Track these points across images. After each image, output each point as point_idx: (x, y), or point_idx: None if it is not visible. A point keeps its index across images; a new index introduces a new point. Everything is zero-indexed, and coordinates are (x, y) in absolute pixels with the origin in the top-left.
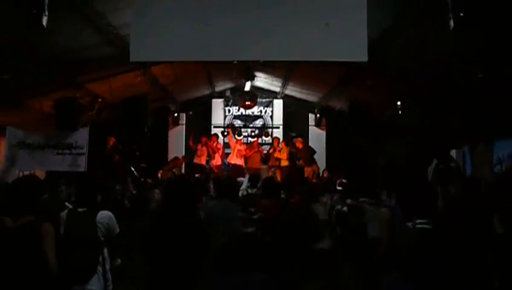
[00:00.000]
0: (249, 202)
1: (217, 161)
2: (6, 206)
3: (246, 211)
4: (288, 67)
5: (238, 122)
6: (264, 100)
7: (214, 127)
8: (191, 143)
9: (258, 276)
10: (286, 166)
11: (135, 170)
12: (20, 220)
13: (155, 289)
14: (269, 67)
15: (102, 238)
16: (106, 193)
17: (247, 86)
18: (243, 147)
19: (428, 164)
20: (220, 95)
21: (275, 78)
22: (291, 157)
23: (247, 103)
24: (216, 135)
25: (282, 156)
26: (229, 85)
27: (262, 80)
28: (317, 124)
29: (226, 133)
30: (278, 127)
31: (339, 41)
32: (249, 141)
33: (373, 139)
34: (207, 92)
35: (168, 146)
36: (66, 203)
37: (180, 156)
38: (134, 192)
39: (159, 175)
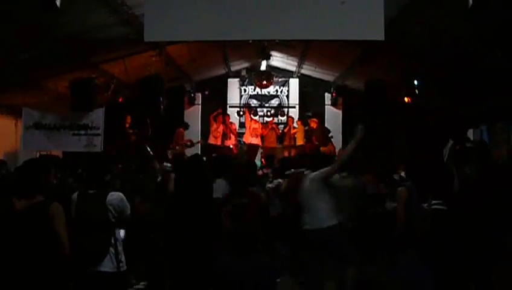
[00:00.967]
0: None
1: (233, 140)
2: (15, 187)
3: None
4: (304, 46)
5: (254, 102)
6: (280, 79)
7: (230, 106)
8: (211, 117)
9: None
10: (301, 145)
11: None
12: (30, 201)
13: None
14: (285, 47)
15: (113, 220)
16: (115, 173)
17: (263, 66)
18: (258, 126)
19: (445, 144)
20: (236, 74)
21: (290, 58)
22: (306, 136)
23: (263, 82)
24: (228, 115)
25: (298, 135)
26: (244, 64)
27: (278, 59)
28: (334, 104)
29: (241, 113)
30: (294, 107)
31: (355, 19)
32: (264, 121)
33: (389, 119)
34: (223, 71)
35: None
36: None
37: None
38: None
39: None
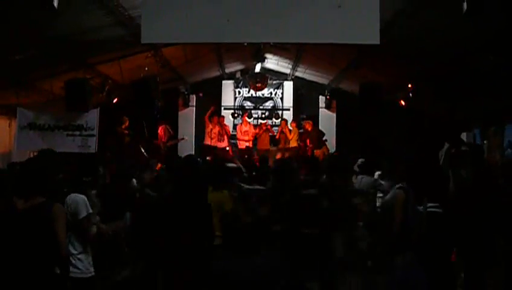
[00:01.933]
0: None
1: (226, 142)
2: (17, 187)
3: None
4: (299, 49)
5: (248, 104)
6: (274, 82)
7: (224, 108)
8: (206, 117)
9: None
10: (295, 147)
11: (145, 151)
12: (31, 202)
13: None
14: (280, 49)
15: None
16: (97, 174)
17: (258, 68)
18: (248, 128)
19: (440, 148)
20: (230, 76)
21: (285, 60)
22: (300, 138)
23: (257, 84)
24: (223, 116)
25: (292, 137)
26: (239, 67)
27: (272, 62)
28: (328, 107)
29: (236, 115)
30: (288, 109)
31: (351, 23)
32: (258, 123)
33: (383, 122)
34: (217, 73)
35: (178, 127)
36: None
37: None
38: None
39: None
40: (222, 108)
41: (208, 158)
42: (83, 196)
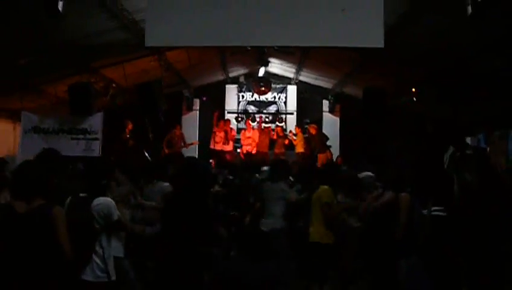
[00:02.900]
0: None
1: (230, 147)
2: (16, 189)
3: None
4: (303, 53)
5: (251, 108)
6: (278, 86)
7: (228, 112)
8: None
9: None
10: (301, 152)
11: (149, 155)
12: (31, 205)
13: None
14: (283, 53)
15: (97, 226)
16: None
17: (261, 72)
18: (251, 134)
19: (445, 151)
20: (234, 80)
21: (289, 64)
22: (307, 142)
23: (261, 88)
24: (229, 120)
25: (298, 143)
26: (243, 71)
27: (276, 66)
28: (331, 111)
29: (240, 119)
30: (292, 113)
31: (355, 27)
32: (262, 127)
33: (388, 126)
34: (221, 77)
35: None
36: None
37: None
38: None
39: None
40: (226, 112)
41: (210, 161)
42: (110, 199)
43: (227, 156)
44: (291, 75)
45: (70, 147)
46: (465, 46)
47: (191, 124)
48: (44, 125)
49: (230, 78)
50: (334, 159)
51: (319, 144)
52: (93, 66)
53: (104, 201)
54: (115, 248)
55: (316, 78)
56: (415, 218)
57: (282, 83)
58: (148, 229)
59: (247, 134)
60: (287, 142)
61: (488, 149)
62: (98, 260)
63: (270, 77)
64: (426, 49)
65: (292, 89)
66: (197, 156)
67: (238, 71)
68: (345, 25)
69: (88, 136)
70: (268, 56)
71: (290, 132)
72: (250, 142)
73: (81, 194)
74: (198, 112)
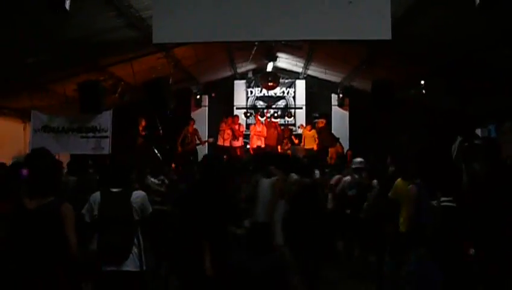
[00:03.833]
0: None
1: (240, 142)
2: (29, 186)
3: None
4: (311, 47)
5: (260, 104)
6: (286, 81)
7: (237, 108)
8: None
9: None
10: (311, 148)
11: (158, 152)
12: (40, 201)
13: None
14: (291, 48)
15: (137, 219)
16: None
17: (270, 67)
18: (261, 128)
19: (452, 142)
20: (242, 76)
21: (297, 59)
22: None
23: (269, 83)
24: (237, 116)
25: (309, 139)
26: (251, 66)
27: (284, 61)
28: (340, 105)
29: (249, 114)
30: (301, 108)
31: (363, 19)
32: (271, 121)
33: (397, 119)
34: (229, 73)
35: None
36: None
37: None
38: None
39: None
40: (234, 108)
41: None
42: (143, 193)
43: (238, 151)
44: (299, 70)
45: (80, 146)
46: (474, 38)
47: (200, 120)
48: (54, 124)
49: (238, 73)
50: (345, 153)
51: (327, 138)
52: (102, 64)
53: (141, 194)
54: None
55: (325, 72)
56: (423, 210)
57: (291, 78)
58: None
59: (258, 128)
60: (296, 141)
61: (499, 139)
62: (136, 251)
63: (278, 72)
64: (434, 41)
65: (301, 84)
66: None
67: (246, 67)
68: (352, 17)
69: (98, 134)
70: (276, 51)
71: (301, 126)
72: (259, 136)
73: (113, 189)
74: (207, 108)
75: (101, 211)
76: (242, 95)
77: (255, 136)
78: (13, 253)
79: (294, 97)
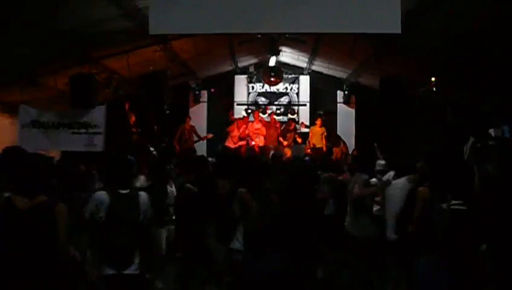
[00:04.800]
0: None
1: (243, 141)
2: (18, 184)
3: None
4: (316, 41)
5: (262, 100)
6: (289, 76)
7: (237, 104)
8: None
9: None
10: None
11: (154, 149)
12: (33, 201)
13: None
14: (295, 42)
15: (145, 221)
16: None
17: (272, 61)
18: (260, 126)
19: (465, 143)
20: (243, 71)
21: (301, 53)
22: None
23: (272, 79)
24: (247, 117)
25: (317, 138)
26: (252, 60)
27: (288, 55)
28: (346, 102)
29: (250, 111)
30: (305, 105)
31: (371, 11)
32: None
33: (405, 117)
34: (229, 68)
35: None
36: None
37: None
38: None
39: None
40: (235, 104)
41: None
42: (146, 194)
43: (242, 151)
44: (303, 65)
45: (72, 142)
46: (489, 32)
47: (199, 116)
48: (44, 119)
49: (239, 68)
50: (350, 152)
51: (333, 137)
52: (95, 56)
53: (144, 196)
54: None
55: (330, 68)
56: (434, 212)
57: (294, 73)
58: None
59: (256, 126)
60: (299, 140)
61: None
62: (139, 254)
63: (282, 67)
64: (446, 35)
65: (305, 79)
66: (205, 151)
67: (247, 61)
68: (360, 9)
69: (90, 130)
70: (279, 45)
71: (301, 123)
72: (258, 134)
73: (121, 191)
74: (206, 104)
75: (110, 213)
76: (243, 90)
77: (254, 135)
78: (2, 254)
79: (297, 93)
